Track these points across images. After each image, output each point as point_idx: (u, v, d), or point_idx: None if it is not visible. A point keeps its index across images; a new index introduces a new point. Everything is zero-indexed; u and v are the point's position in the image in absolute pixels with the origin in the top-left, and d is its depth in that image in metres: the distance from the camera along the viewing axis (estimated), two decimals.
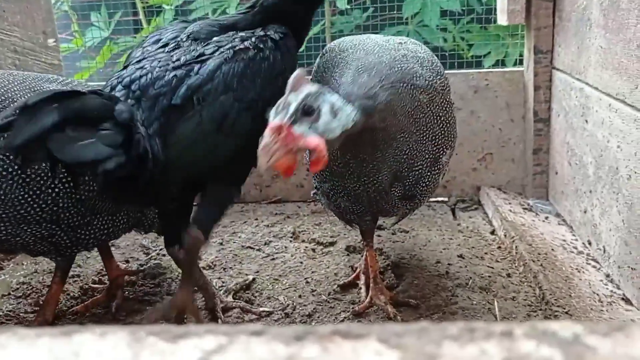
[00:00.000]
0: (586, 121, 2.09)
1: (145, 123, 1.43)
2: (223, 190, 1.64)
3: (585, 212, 2.14)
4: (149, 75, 1.49)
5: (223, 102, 1.49)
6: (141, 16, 4.41)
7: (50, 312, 1.79)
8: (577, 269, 2.01)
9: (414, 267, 2.04)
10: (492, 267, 2.04)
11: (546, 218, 2.42)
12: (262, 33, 1.62)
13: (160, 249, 2.30)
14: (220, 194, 1.63)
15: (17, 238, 1.64)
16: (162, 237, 2.38)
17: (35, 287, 2.04)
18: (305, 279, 2.04)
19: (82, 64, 4.02)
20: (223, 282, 2.02)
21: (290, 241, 2.35)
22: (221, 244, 2.32)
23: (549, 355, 0.40)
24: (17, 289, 2.05)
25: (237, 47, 1.55)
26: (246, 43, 1.57)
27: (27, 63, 2.45)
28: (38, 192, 1.60)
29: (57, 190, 1.62)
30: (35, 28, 2.50)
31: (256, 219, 2.54)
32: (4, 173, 1.55)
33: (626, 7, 1.76)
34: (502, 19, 2.48)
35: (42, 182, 1.59)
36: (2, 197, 1.56)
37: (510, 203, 2.52)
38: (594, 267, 2.03)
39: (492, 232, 2.37)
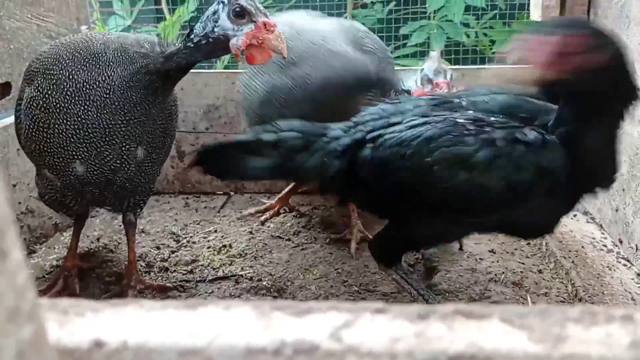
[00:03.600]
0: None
1: None
2: None
3: (617, 210, 2.14)
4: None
5: None
6: (163, 5, 4.43)
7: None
8: (608, 266, 2.01)
9: (445, 260, 2.05)
10: (523, 263, 2.04)
11: (574, 216, 2.42)
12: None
13: (191, 237, 2.32)
14: None
15: (151, 184, 1.86)
16: (190, 225, 2.41)
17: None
18: (336, 269, 2.05)
19: None
20: (254, 271, 2.04)
21: (319, 232, 2.36)
22: (251, 232, 2.33)
23: None
24: (51, 272, 2.08)
25: None
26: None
27: None
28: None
29: None
30: (70, 14, 2.52)
31: (284, 209, 2.55)
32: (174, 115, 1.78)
33: None
34: (535, 14, 2.46)
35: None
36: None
37: None
38: (624, 265, 2.03)
39: None
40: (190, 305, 0.46)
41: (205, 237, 2.31)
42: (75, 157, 1.63)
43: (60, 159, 1.64)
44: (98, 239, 2.32)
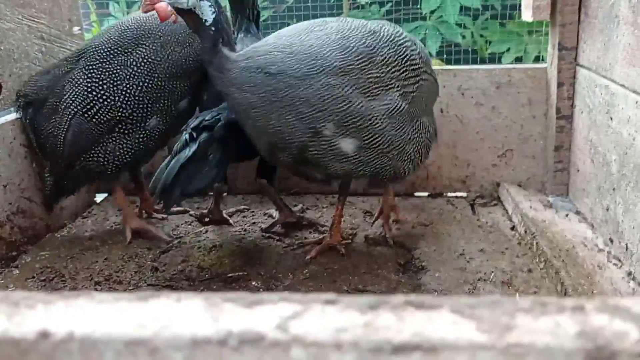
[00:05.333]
0: (611, 118, 2.08)
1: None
2: None
3: (607, 209, 2.13)
4: None
5: None
6: None
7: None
8: (598, 266, 2.00)
9: (435, 260, 2.05)
10: (514, 262, 2.04)
11: (566, 215, 2.42)
12: None
13: (182, 237, 2.32)
14: None
15: None
16: (181, 225, 2.42)
17: (59, 272, 2.06)
18: (326, 269, 2.05)
19: None
20: (244, 271, 2.03)
21: (310, 232, 2.36)
22: (242, 233, 2.33)
23: (623, 329, 0.41)
24: (42, 272, 2.07)
25: None
26: None
27: (52, 50, 2.47)
28: None
29: None
30: (62, 16, 2.52)
31: (276, 210, 2.55)
32: None
33: None
34: (527, 15, 2.46)
35: None
36: None
37: (530, 200, 2.52)
38: (615, 264, 2.02)
39: (512, 228, 2.37)
40: (142, 297, 0.46)
41: (196, 237, 2.31)
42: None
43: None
44: (90, 239, 2.32)
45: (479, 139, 2.68)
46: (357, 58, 1.85)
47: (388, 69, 1.89)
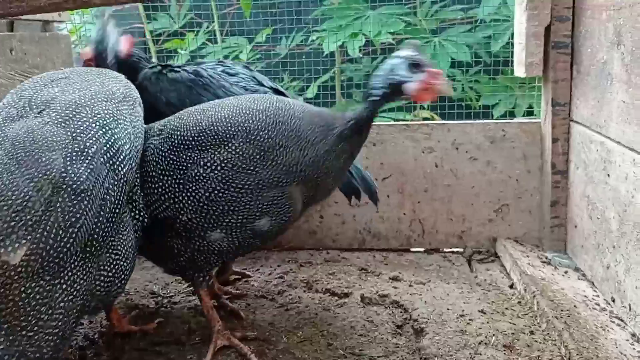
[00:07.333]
0: (608, 175, 2.07)
1: None
2: None
3: (608, 267, 2.09)
4: None
5: None
6: (154, 60, 4.46)
7: None
8: (601, 327, 1.94)
9: (434, 322, 1.97)
10: (515, 324, 1.97)
11: (565, 272, 2.37)
12: None
13: (172, 296, 2.24)
14: None
15: None
16: (171, 284, 2.33)
17: None
18: (321, 331, 1.97)
19: None
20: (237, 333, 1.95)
21: (304, 291, 2.29)
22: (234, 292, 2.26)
23: None
24: None
25: None
26: None
27: None
28: None
29: None
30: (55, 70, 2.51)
31: (270, 267, 2.50)
32: None
33: None
34: (519, 71, 2.48)
35: None
36: None
37: (528, 256, 2.47)
38: (618, 325, 1.96)
39: (511, 286, 2.31)
40: None
41: (186, 297, 2.23)
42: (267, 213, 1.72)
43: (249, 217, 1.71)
44: None
45: (474, 194, 2.66)
46: None
47: None
